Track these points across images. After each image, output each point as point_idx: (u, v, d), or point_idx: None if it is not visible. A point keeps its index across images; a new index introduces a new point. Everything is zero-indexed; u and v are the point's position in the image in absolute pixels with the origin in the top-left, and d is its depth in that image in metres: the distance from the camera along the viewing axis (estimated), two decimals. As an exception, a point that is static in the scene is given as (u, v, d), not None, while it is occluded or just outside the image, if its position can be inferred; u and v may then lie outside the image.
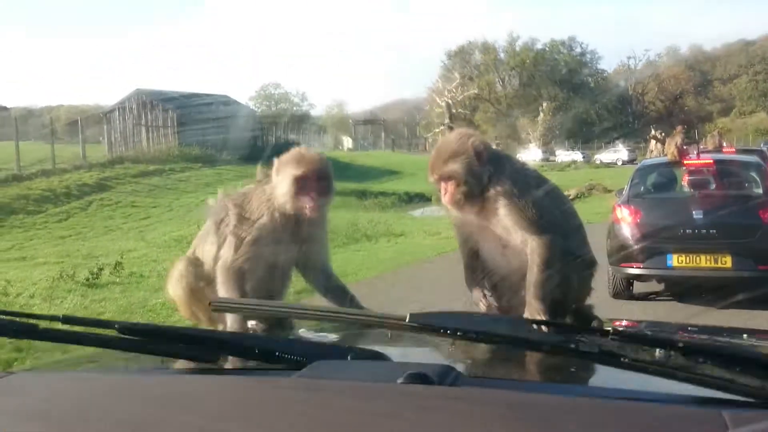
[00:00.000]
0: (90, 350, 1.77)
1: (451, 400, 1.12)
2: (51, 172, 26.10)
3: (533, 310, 1.95)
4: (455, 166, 2.02)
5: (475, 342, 1.54)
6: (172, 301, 2.44)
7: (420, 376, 1.19)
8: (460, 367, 1.33)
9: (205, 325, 2.32)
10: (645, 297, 7.97)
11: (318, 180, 2.20)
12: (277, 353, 1.46)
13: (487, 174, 2.01)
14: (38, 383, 1.42)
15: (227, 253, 2.17)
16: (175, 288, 2.29)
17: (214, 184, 29.40)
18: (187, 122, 39.14)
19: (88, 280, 9.24)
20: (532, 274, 1.99)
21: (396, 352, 1.71)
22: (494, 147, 2.19)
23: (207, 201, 2.36)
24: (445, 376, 1.23)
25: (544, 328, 1.46)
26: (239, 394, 1.24)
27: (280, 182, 2.19)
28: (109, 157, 31.75)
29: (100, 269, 9.58)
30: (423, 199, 32.02)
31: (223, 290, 2.17)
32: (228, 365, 1.58)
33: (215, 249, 2.22)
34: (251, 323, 2.09)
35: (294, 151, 2.24)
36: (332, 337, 1.99)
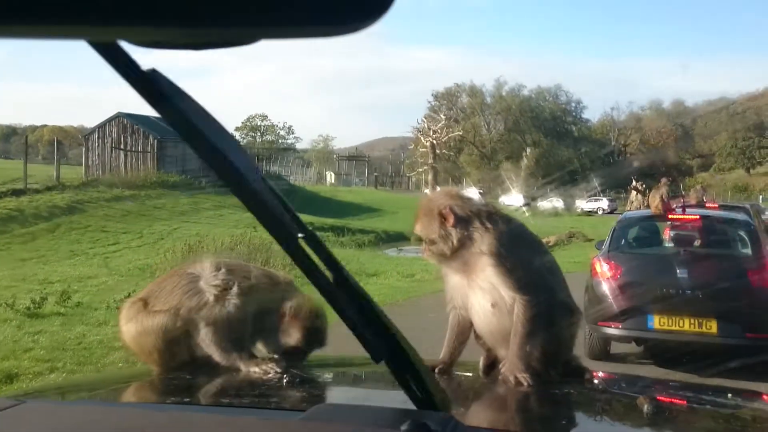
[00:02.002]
0: (96, 377, 1.94)
1: None
2: (21, 191, 25.44)
3: (515, 369, 1.95)
4: (419, 228, 2.13)
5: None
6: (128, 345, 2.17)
7: (422, 426, 1.24)
8: (458, 417, 1.37)
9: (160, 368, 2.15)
10: (623, 359, 7.45)
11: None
12: (281, 394, 1.57)
13: (456, 236, 2.05)
14: (49, 413, 1.46)
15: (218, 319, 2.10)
16: (148, 337, 2.10)
17: (190, 212, 28.88)
18: (167, 148, 38.66)
19: (29, 309, 8.57)
20: (518, 336, 2.00)
21: (397, 398, 1.79)
22: (478, 201, 2.22)
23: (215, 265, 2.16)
24: (444, 425, 1.28)
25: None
26: None
27: None
28: (84, 179, 31.07)
29: (43, 298, 8.90)
30: (401, 238, 31.61)
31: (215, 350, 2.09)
32: (233, 402, 1.62)
33: (199, 305, 2.11)
34: (252, 368, 2.02)
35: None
36: (335, 380, 2.06)
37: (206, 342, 2.07)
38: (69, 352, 6.70)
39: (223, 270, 2.12)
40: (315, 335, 2.14)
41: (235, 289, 2.08)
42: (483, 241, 2.03)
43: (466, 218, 2.07)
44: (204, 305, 2.07)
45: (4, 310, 8.59)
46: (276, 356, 2.11)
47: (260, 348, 2.19)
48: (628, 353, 7.59)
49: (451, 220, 2.06)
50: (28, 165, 28.59)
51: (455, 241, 2.05)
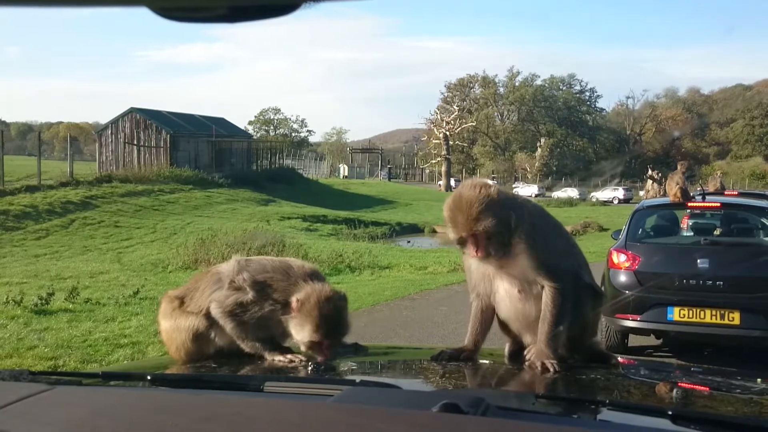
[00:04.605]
0: (122, 367, 1.89)
1: (483, 429, 1.20)
2: (35, 187, 25.54)
3: (542, 355, 1.96)
4: (487, 221, 1.96)
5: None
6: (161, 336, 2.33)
7: (453, 406, 1.26)
8: (489, 398, 1.37)
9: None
10: (641, 352, 7.24)
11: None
12: (308, 380, 1.59)
13: (513, 219, 2.01)
14: (82, 397, 1.47)
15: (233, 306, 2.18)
16: (179, 335, 2.23)
17: (203, 206, 28.88)
18: (180, 143, 38.72)
19: (36, 305, 8.49)
20: (546, 323, 1.99)
21: (426, 382, 1.90)
22: (501, 187, 2.19)
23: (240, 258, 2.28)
24: (476, 406, 1.29)
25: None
26: (282, 417, 1.28)
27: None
28: (97, 175, 31.12)
29: (50, 294, 8.82)
30: (415, 230, 31.49)
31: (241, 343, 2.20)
32: (261, 387, 1.61)
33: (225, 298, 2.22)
34: (277, 357, 2.10)
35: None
36: (361, 367, 2.06)
37: (232, 335, 2.15)
38: (74, 349, 6.59)
39: (241, 265, 2.19)
40: (326, 325, 2.04)
41: (249, 282, 2.12)
42: (521, 228, 2.02)
43: (509, 202, 2.06)
44: (224, 300, 2.15)
45: (12, 307, 8.52)
46: (302, 347, 2.10)
47: (285, 340, 2.22)
48: (647, 346, 7.38)
49: (505, 201, 2.02)
50: (42, 161, 28.68)
51: (513, 225, 1.99)
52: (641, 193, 52.65)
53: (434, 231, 32.04)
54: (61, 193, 25.47)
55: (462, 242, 2.01)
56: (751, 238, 7.26)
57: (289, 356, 2.07)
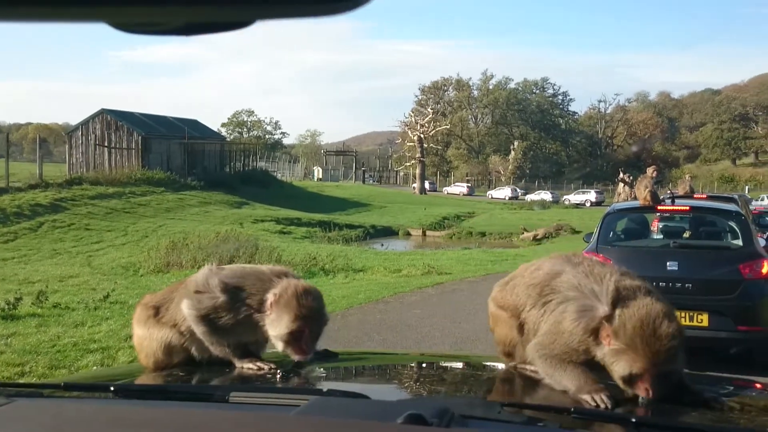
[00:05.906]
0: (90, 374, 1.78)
1: None
2: (4, 190, 25.10)
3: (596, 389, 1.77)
4: (679, 359, 1.68)
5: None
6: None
7: (418, 417, 1.25)
8: (455, 408, 1.36)
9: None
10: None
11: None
12: (275, 389, 1.59)
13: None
14: (43, 410, 1.43)
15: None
16: (151, 344, 2.22)
17: (175, 209, 28.60)
18: (152, 145, 38.31)
19: (3, 310, 8.32)
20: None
21: (392, 392, 1.85)
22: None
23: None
24: (441, 417, 1.28)
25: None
26: (244, 429, 1.27)
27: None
28: (67, 177, 30.65)
29: (18, 299, 8.65)
30: (389, 233, 31.51)
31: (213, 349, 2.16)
32: (227, 397, 1.58)
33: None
34: (246, 365, 2.07)
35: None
36: (330, 374, 2.04)
37: (203, 339, 2.12)
38: (42, 355, 6.46)
39: (213, 271, 2.18)
40: (306, 312, 2.01)
41: (221, 287, 2.10)
42: None
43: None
44: (196, 304, 2.12)
45: (-22, 312, 8.34)
46: (280, 346, 2.07)
47: (260, 350, 2.20)
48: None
49: None
50: (11, 163, 28.20)
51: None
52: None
53: (408, 234, 32.14)
54: (29, 195, 25.08)
55: (637, 376, 1.65)
56: (720, 241, 7.37)
57: (258, 363, 2.04)
